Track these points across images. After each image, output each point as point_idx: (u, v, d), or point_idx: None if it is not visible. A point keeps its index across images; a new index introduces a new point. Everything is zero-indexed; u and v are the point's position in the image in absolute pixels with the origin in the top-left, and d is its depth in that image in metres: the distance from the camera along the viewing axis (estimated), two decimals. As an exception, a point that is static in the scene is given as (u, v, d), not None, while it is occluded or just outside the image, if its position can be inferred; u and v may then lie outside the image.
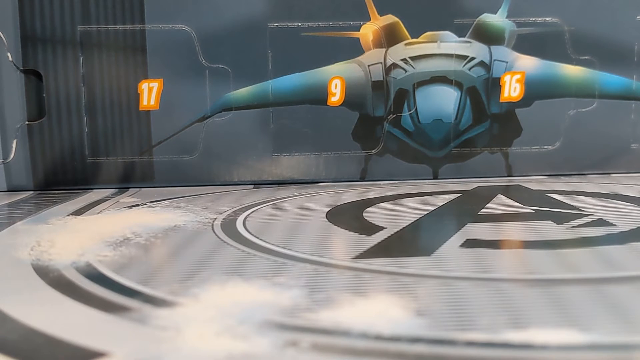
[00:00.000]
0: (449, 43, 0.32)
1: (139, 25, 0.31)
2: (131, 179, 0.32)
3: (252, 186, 0.32)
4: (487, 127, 0.33)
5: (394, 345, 0.12)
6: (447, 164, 0.30)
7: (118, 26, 0.31)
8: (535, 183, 0.31)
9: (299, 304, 0.15)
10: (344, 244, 0.20)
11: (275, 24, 0.31)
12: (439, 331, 0.13)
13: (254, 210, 0.25)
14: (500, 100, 0.33)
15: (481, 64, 0.32)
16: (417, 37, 0.32)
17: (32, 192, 0.31)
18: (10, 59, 0.31)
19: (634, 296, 0.15)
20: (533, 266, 0.17)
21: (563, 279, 0.16)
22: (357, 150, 0.33)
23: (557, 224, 0.21)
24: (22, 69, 0.31)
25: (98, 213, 0.25)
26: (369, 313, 0.14)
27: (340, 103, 0.32)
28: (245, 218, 0.23)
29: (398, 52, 0.32)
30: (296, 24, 0.31)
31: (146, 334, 0.13)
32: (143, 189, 0.32)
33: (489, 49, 0.32)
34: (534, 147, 0.33)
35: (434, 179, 0.33)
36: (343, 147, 0.33)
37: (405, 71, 0.32)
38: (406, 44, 0.32)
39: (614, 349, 0.12)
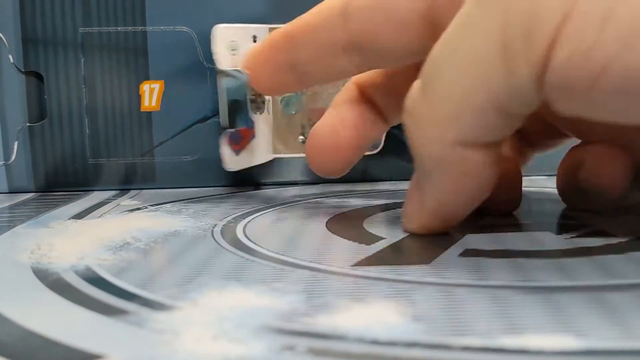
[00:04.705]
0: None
1: (140, 27, 0.31)
2: (132, 180, 0.32)
3: (252, 187, 0.32)
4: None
5: (390, 350, 0.12)
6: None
7: (119, 28, 0.31)
8: (534, 187, 0.31)
9: (296, 309, 0.15)
10: (342, 251, 0.20)
11: (275, 25, 0.31)
12: (435, 336, 0.13)
13: (254, 217, 0.25)
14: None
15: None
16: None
17: (33, 193, 0.31)
18: (11, 60, 0.31)
19: (630, 303, 0.15)
20: (530, 274, 0.17)
21: (559, 286, 0.16)
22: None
23: (556, 234, 0.21)
24: (23, 70, 0.31)
25: (99, 217, 0.25)
26: (366, 318, 0.14)
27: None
28: (245, 225, 0.23)
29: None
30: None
31: (143, 337, 0.13)
32: (144, 191, 0.32)
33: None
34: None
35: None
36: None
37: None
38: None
39: (610, 354, 0.12)
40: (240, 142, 0.29)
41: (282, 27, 0.26)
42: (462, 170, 0.19)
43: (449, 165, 0.19)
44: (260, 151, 0.30)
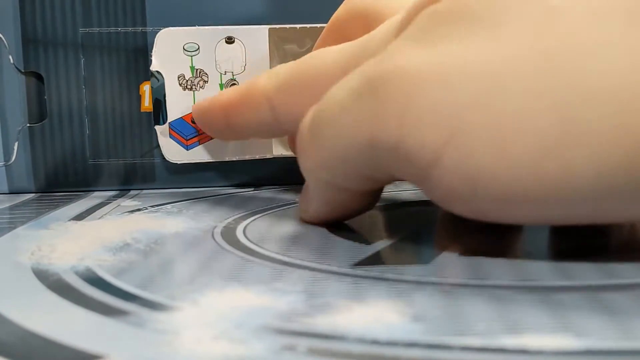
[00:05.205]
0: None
1: (141, 28, 0.31)
2: (132, 180, 0.32)
3: (252, 188, 0.32)
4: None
5: (390, 350, 0.12)
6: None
7: (119, 28, 0.31)
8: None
9: (296, 309, 0.15)
10: (342, 251, 0.20)
11: (275, 25, 0.31)
12: (435, 336, 0.13)
13: (255, 218, 0.25)
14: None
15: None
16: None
17: (33, 194, 0.31)
18: (11, 61, 0.31)
19: (630, 303, 0.15)
20: (530, 274, 0.17)
21: (559, 286, 0.16)
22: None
23: (555, 234, 0.21)
24: (23, 71, 0.31)
25: (99, 218, 0.25)
26: (366, 318, 0.14)
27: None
28: (245, 226, 0.23)
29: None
30: (296, 25, 0.32)
31: (144, 337, 0.13)
32: (144, 192, 0.32)
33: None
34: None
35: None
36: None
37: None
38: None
39: (610, 354, 0.12)
40: (194, 137, 0.31)
41: (218, 99, 0.29)
42: (331, 200, 0.22)
43: (322, 192, 0.22)
44: (225, 150, 0.32)
